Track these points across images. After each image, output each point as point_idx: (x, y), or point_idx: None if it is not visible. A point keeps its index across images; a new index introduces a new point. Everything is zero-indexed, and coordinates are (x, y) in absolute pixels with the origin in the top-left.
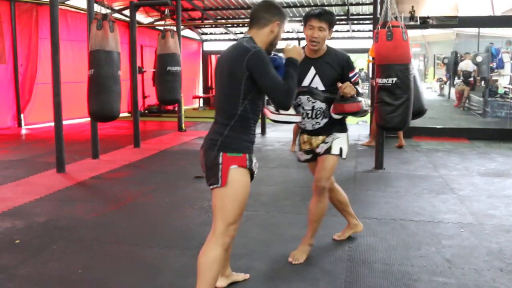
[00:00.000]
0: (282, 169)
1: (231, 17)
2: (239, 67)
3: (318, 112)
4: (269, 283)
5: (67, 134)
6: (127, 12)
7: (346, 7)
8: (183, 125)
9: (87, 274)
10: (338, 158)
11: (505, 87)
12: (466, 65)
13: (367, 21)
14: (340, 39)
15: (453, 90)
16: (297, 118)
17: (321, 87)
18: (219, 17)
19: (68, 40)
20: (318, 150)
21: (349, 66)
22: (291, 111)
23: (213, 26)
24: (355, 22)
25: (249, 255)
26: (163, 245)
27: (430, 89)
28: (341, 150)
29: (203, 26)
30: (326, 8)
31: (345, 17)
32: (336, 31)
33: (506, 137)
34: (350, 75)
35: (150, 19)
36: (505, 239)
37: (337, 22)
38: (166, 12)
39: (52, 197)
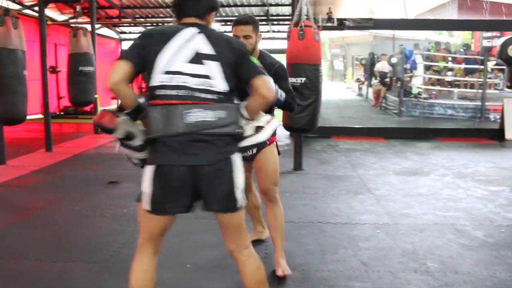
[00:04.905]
0: None
1: (150, 16)
2: None
3: None
4: None
5: None
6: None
7: (266, 8)
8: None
9: None
10: None
11: (418, 87)
12: (382, 66)
13: (287, 22)
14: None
15: (370, 90)
16: None
17: None
18: (137, 16)
19: None
20: None
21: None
22: None
23: (132, 25)
24: (275, 22)
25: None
26: (68, 259)
27: (349, 89)
28: None
29: (121, 24)
30: (246, 8)
31: (265, 18)
32: None
33: (420, 135)
34: None
35: (64, 17)
36: (418, 239)
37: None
38: (77, 9)
39: None
